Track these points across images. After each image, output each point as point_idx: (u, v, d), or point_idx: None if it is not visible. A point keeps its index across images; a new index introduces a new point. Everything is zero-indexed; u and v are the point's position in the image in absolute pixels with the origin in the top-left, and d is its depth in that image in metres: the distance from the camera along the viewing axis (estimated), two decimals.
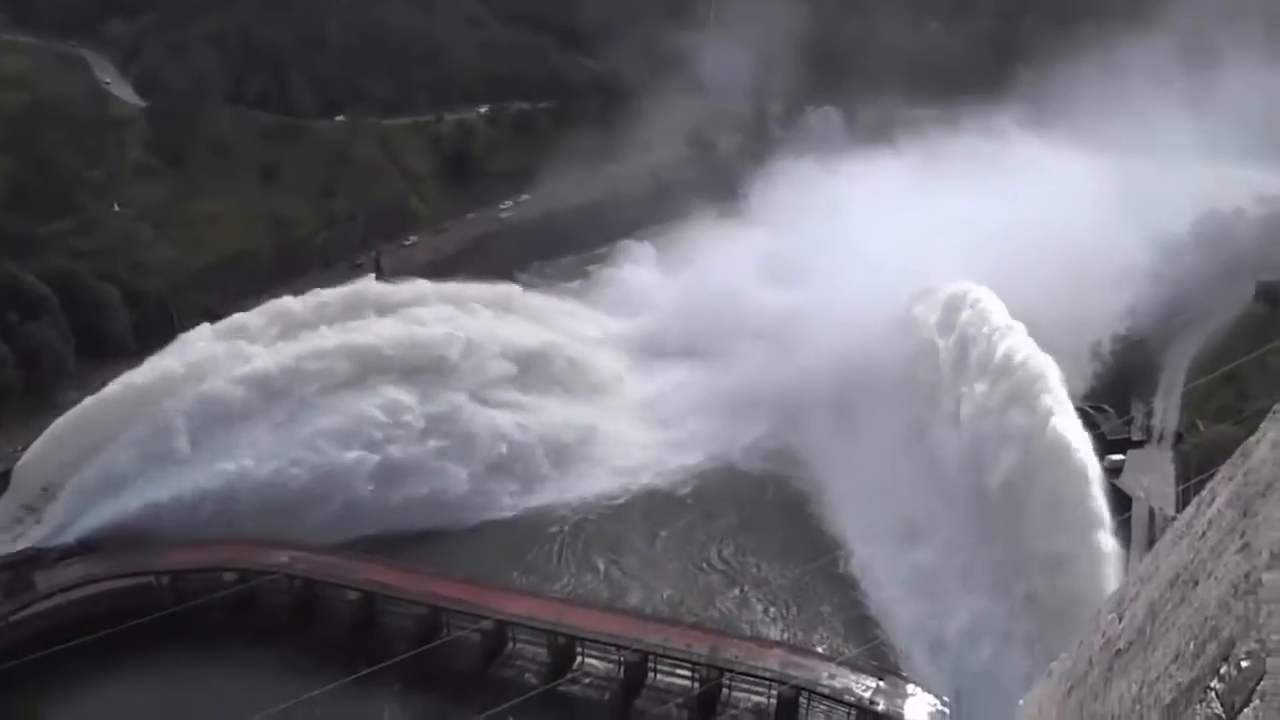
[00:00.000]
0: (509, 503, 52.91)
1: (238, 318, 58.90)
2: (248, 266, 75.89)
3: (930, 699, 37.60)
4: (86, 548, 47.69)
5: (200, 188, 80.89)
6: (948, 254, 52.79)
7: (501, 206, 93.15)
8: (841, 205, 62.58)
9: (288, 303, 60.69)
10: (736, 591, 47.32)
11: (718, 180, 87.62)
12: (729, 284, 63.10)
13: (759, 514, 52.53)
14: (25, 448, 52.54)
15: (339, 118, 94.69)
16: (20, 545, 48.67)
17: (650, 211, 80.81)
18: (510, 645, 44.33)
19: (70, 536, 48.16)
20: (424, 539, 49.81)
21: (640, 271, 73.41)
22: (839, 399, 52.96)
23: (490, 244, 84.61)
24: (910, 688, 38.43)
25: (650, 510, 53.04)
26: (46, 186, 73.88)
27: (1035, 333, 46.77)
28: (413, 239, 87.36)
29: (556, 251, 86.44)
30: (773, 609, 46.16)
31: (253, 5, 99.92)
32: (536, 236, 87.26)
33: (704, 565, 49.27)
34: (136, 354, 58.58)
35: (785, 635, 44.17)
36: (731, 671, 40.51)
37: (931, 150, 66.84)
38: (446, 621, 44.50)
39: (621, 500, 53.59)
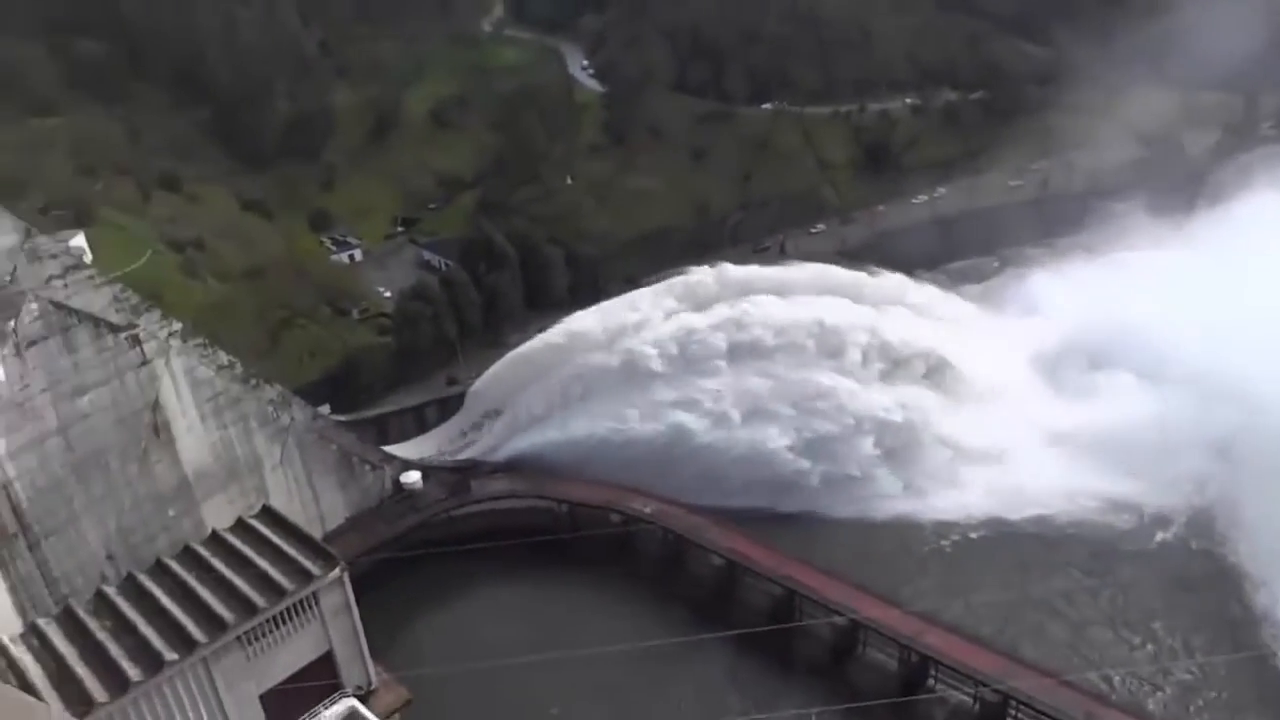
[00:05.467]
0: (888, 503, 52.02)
1: (679, 281, 61.36)
2: (667, 240, 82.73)
3: None
4: (509, 467, 56.01)
5: (637, 166, 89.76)
6: None
7: (915, 200, 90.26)
8: None
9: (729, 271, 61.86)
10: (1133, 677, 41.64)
11: (1177, 185, 75.91)
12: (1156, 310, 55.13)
13: (1167, 577, 45.61)
14: (478, 376, 63.00)
15: (766, 105, 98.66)
16: (465, 455, 58.83)
17: (1082, 217, 72.61)
18: (860, 649, 43.68)
19: (501, 455, 56.99)
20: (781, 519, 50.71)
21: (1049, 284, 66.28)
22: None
23: (897, 239, 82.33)
24: None
25: (1032, 543, 48.75)
26: (521, 161, 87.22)
27: None
28: (820, 226, 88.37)
29: (967, 252, 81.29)
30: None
31: (704, 1, 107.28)
32: (947, 235, 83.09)
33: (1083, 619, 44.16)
34: (569, 308, 67.10)
35: None
36: None
37: None
38: (800, 606, 45.14)
39: (1001, 524, 49.96)
